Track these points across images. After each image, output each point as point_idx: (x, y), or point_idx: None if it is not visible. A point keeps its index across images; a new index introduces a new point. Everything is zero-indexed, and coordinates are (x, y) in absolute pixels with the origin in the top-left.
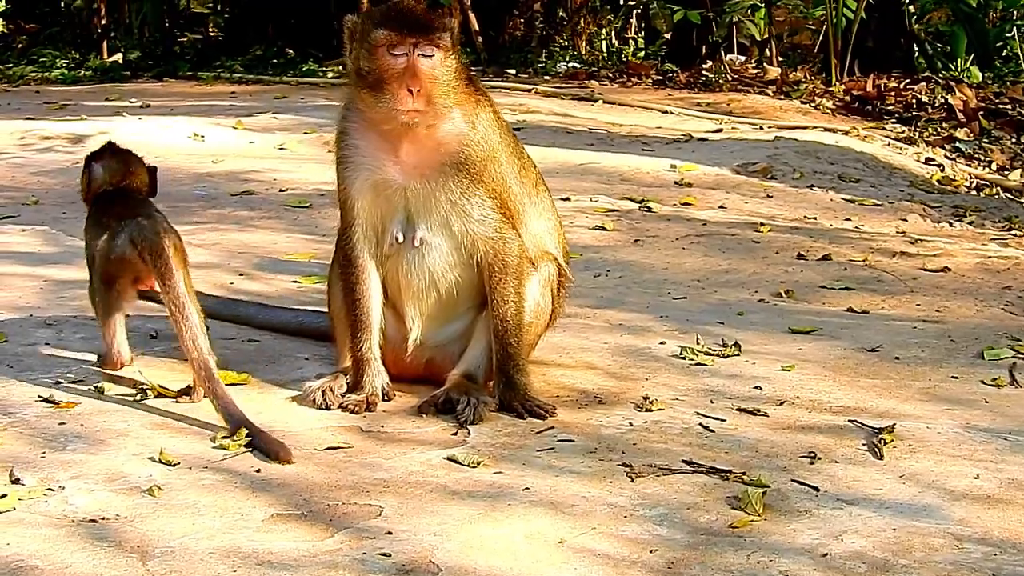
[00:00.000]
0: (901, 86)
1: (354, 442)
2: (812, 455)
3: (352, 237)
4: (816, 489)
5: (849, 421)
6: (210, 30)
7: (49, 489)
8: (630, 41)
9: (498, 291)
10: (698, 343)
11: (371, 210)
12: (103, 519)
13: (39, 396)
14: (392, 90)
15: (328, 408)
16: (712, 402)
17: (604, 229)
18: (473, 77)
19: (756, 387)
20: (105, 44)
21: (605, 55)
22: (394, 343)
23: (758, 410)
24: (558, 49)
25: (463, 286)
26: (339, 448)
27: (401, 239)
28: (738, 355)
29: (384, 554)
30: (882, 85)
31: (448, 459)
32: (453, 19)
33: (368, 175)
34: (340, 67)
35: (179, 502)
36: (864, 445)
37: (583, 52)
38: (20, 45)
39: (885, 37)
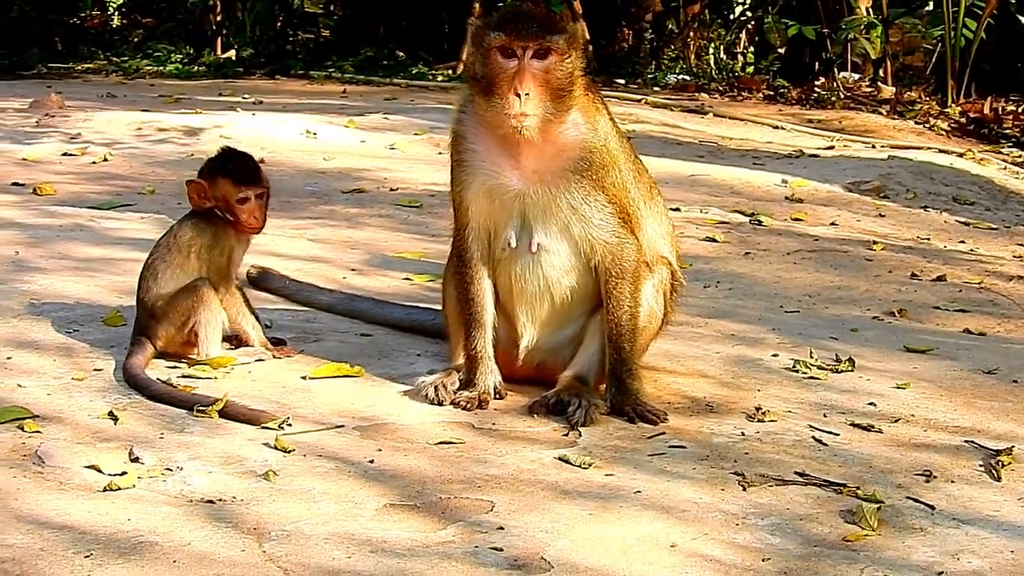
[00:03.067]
0: (1019, 110)
1: (466, 438)
2: (928, 473)
3: (466, 239)
4: (932, 507)
5: (966, 441)
6: (321, 30)
7: (168, 469)
8: (739, 56)
9: (614, 295)
10: (811, 357)
11: (486, 214)
12: (220, 500)
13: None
14: (502, 93)
15: (440, 404)
16: (825, 416)
17: (714, 240)
18: (591, 82)
19: (870, 403)
20: (219, 41)
21: (714, 69)
22: (505, 346)
23: (872, 426)
24: (667, 61)
25: (578, 292)
26: (451, 443)
27: (514, 244)
28: (852, 371)
29: (496, 548)
30: (999, 108)
31: (559, 459)
32: (575, 24)
33: (484, 179)
34: (450, 71)
35: (295, 488)
36: (981, 466)
37: (692, 65)
38: (136, 39)
39: (1002, 60)
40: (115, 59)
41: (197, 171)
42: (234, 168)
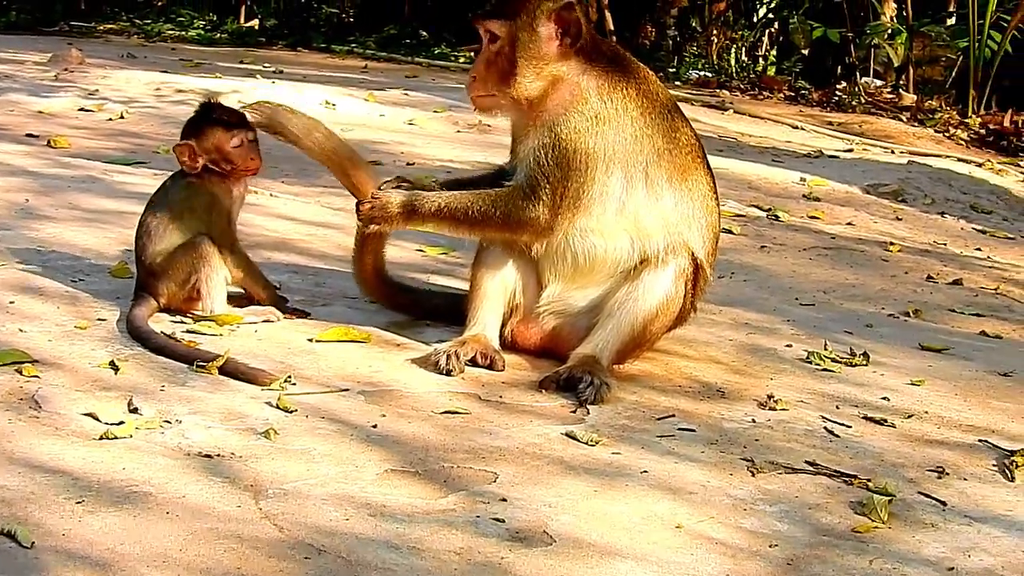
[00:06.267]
0: None
1: (472, 409)
2: (940, 470)
3: None
4: (943, 503)
5: (979, 441)
6: (346, 4)
7: (166, 421)
8: (760, 59)
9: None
10: (826, 349)
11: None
12: (218, 455)
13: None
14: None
15: (449, 374)
16: (838, 408)
17: (731, 232)
18: (622, 59)
19: (884, 398)
20: (243, 9)
21: (735, 68)
22: (527, 305)
23: (885, 420)
24: (689, 58)
25: (596, 252)
26: (457, 413)
27: None
28: (866, 365)
29: (498, 519)
30: (1020, 121)
31: (566, 435)
32: (541, 5)
33: (512, 143)
34: (472, 53)
35: (295, 447)
36: (994, 465)
37: (714, 63)
38: (160, 3)
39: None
40: (137, 21)
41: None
42: (220, 116)
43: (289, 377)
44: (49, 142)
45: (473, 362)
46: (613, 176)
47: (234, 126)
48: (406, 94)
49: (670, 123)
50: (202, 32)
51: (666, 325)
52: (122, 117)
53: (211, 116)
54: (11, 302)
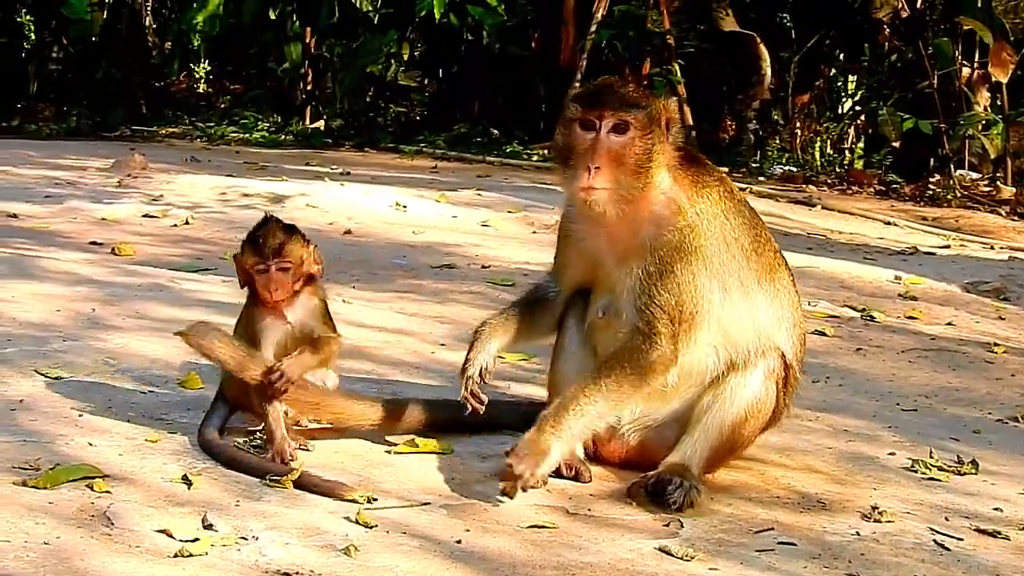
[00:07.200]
0: None
1: (559, 522)
2: None
3: (564, 312)
4: None
5: None
6: (414, 106)
7: (243, 538)
8: (847, 152)
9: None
10: (931, 457)
11: (576, 286)
12: (298, 573)
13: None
14: (576, 166)
15: (533, 487)
16: (947, 519)
17: (824, 334)
18: (699, 159)
19: (996, 508)
20: (308, 111)
21: (821, 162)
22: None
23: (999, 532)
24: (772, 152)
25: (683, 370)
26: (543, 527)
27: (600, 315)
28: (975, 473)
29: None
30: None
31: (659, 549)
32: (661, 100)
33: (577, 254)
34: (545, 150)
35: (376, 564)
36: None
37: (799, 156)
38: (223, 105)
39: None
40: (200, 124)
41: None
42: (258, 236)
43: (371, 495)
44: (113, 250)
45: (558, 473)
46: (713, 286)
47: (264, 252)
48: (479, 194)
49: (751, 222)
50: (266, 134)
51: (758, 428)
52: (187, 223)
53: (255, 233)
54: (80, 415)
